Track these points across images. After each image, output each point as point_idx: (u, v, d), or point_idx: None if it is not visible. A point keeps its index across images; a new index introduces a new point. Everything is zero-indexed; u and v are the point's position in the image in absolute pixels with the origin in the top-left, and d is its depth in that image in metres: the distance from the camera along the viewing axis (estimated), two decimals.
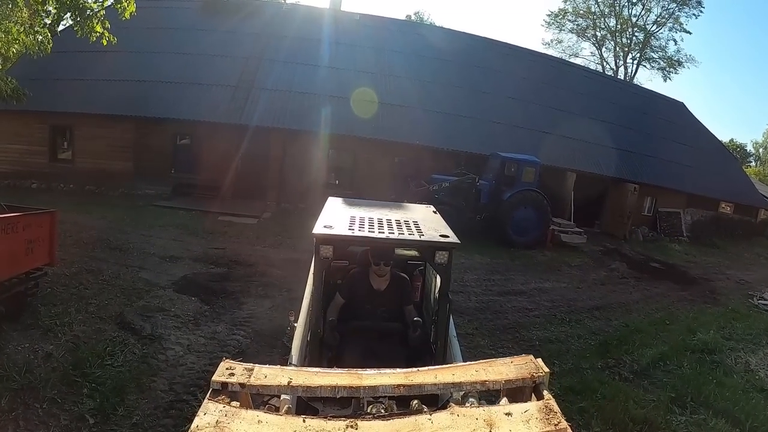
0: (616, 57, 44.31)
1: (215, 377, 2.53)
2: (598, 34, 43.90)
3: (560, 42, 45.32)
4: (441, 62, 22.11)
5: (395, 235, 3.85)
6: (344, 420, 2.28)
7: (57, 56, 17.86)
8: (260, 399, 2.80)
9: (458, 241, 3.87)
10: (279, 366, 2.83)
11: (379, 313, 4.57)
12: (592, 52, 46.97)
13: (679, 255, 19.17)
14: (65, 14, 7.82)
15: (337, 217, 4.19)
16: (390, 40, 22.42)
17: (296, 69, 19.28)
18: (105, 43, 7.85)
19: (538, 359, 2.77)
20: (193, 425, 2.16)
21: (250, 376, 2.57)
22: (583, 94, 24.66)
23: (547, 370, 2.69)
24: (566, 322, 9.53)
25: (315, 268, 4.04)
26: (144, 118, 16.86)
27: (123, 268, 9.23)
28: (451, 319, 4.55)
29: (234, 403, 2.41)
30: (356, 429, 2.22)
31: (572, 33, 44.66)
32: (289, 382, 2.56)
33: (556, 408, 2.40)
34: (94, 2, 7.84)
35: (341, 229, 3.84)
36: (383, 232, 3.89)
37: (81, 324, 6.72)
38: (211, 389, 2.46)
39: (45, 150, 17.87)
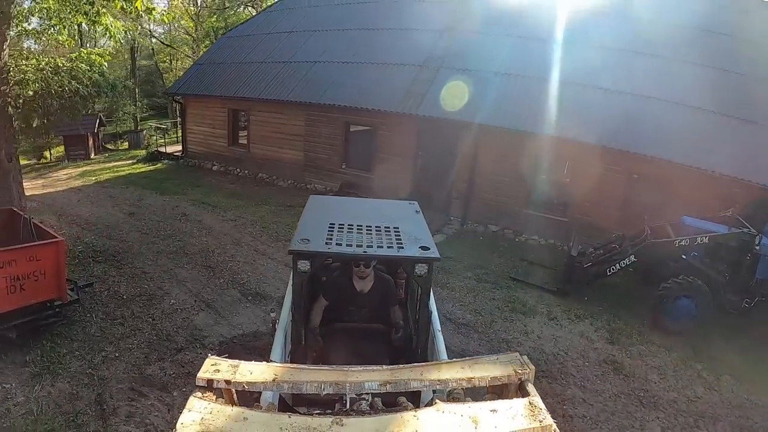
0: None
1: (200, 374, 2.59)
2: None
3: None
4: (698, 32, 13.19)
5: (374, 250, 3.98)
6: (330, 417, 2.34)
7: (236, 40, 19.83)
8: (242, 401, 2.74)
9: (438, 256, 4.01)
10: (264, 363, 2.90)
11: (363, 314, 4.69)
12: None
13: None
14: None
15: (315, 226, 4.33)
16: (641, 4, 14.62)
17: (501, 42, 14.02)
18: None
19: (523, 356, 2.87)
20: (179, 422, 2.22)
21: (235, 372, 2.62)
22: None
23: (532, 367, 2.79)
24: None
25: (294, 281, 4.19)
26: (313, 104, 15.28)
27: (187, 297, 8.81)
28: (435, 314, 4.81)
29: (219, 400, 2.49)
30: (342, 425, 2.28)
31: None
32: (274, 379, 2.61)
33: (541, 405, 2.50)
34: None
35: (318, 243, 3.99)
36: (361, 245, 4.01)
37: (66, 380, 6.50)
38: (196, 386, 2.54)
39: (225, 134, 18.67)
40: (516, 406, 2.49)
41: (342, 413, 2.52)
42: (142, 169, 20.44)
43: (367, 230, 4.31)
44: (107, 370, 6.76)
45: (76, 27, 8.50)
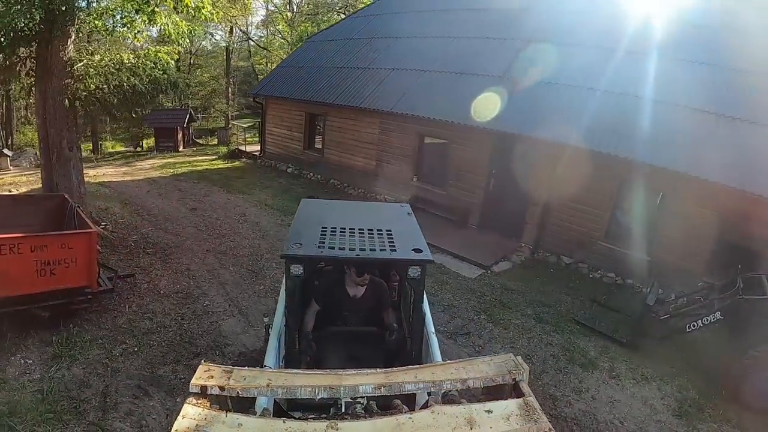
0: None
1: (194, 380, 2.57)
2: None
3: None
4: None
5: (366, 252, 4.01)
6: (325, 421, 2.36)
7: (319, 44, 20.15)
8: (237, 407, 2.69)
9: (431, 258, 4.07)
10: (258, 368, 2.93)
11: (357, 319, 4.70)
12: None
13: None
14: None
15: (307, 230, 4.37)
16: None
17: (591, 55, 12.57)
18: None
19: (517, 357, 2.88)
20: (173, 429, 2.22)
21: (229, 378, 2.61)
22: None
23: (526, 367, 2.81)
24: None
25: (287, 286, 4.22)
26: (386, 112, 14.76)
27: (222, 300, 8.77)
28: (429, 316, 4.86)
29: (214, 407, 2.47)
30: (337, 429, 2.30)
31: None
32: (268, 384, 2.59)
33: (536, 405, 2.52)
34: None
35: (311, 247, 4.02)
36: (354, 248, 4.05)
37: (82, 366, 6.62)
38: (190, 392, 2.50)
39: (301, 137, 18.78)
40: (511, 406, 2.52)
41: (337, 417, 2.60)
42: (220, 166, 21.16)
43: (359, 233, 4.37)
44: (122, 363, 6.79)
45: (146, 25, 8.61)
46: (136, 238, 10.94)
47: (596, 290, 10.61)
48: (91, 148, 31.17)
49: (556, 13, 14.54)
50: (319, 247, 4.05)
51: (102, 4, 8.72)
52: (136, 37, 8.86)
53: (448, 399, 2.91)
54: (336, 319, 4.73)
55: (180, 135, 28.98)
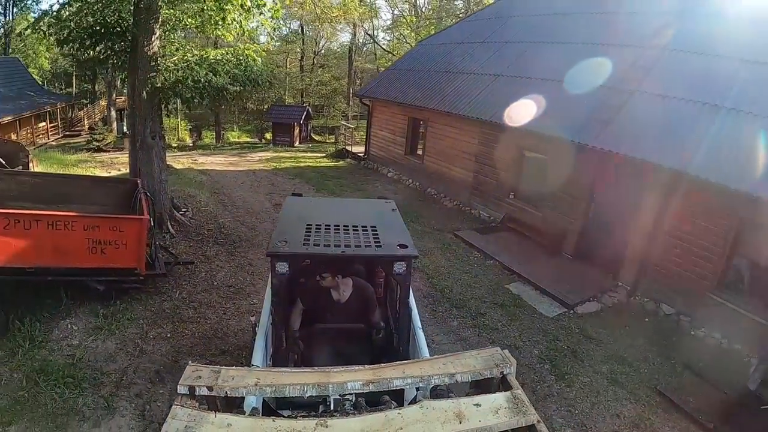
0: None
1: (182, 381, 2.60)
2: None
3: None
4: None
5: (351, 249, 4.07)
6: (314, 419, 2.38)
7: (429, 47, 20.22)
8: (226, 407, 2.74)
9: (416, 254, 4.15)
10: (246, 367, 3.00)
11: (343, 322, 4.66)
12: None
13: None
14: None
15: (292, 228, 4.43)
16: None
17: (727, 67, 10.23)
18: None
19: (504, 350, 2.95)
20: (162, 431, 2.25)
21: (217, 378, 2.63)
22: None
23: (513, 360, 2.85)
24: None
25: (272, 284, 4.25)
26: (485, 122, 13.82)
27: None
28: (416, 311, 4.90)
29: (202, 407, 2.50)
30: (327, 427, 2.31)
31: None
32: (256, 383, 2.61)
33: (524, 397, 2.56)
34: None
35: (296, 244, 4.07)
36: (339, 245, 4.10)
37: (116, 342, 7.05)
38: (177, 393, 2.53)
39: (404, 141, 18.51)
40: (499, 399, 2.55)
41: (326, 415, 2.61)
42: (323, 164, 21.77)
43: (344, 230, 4.43)
44: (151, 346, 7.15)
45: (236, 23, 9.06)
46: (211, 227, 11.52)
47: (694, 353, 8.43)
48: (213, 136, 33.82)
49: (689, 20, 12.27)
50: (304, 244, 4.09)
51: (185, 5, 9.26)
52: (223, 34, 9.30)
53: (436, 394, 2.92)
54: (322, 319, 4.73)
55: (297, 131, 30.45)
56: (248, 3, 8.15)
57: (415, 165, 17.91)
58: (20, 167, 11.29)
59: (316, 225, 4.47)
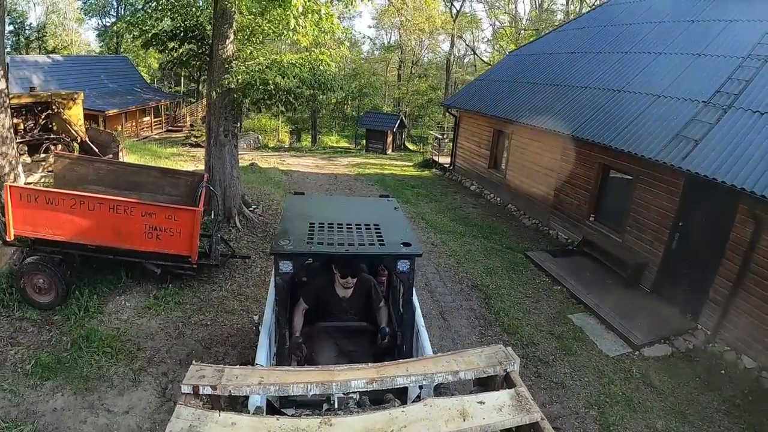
0: None
1: (186, 381, 2.62)
2: None
3: None
4: None
5: (355, 248, 4.10)
6: (318, 417, 2.39)
7: (519, 58, 20.16)
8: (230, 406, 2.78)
9: (420, 252, 4.18)
10: (250, 366, 2.98)
11: (347, 319, 4.72)
12: None
13: None
14: None
15: (295, 226, 4.48)
16: None
17: None
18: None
19: (508, 348, 2.90)
20: (166, 430, 2.29)
21: (221, 377, 2.65)
22: None
23: (517, 358, 2.83)
24: None
25: (276, 282, 4.29)
26: (567, 137, 13.03)
27: None
28: (419, 310, 4.85)
29: (206, 407, 2.53)
30: (331, 425, 2.33)
31: None
32: (260, 382, 2.63)
33: (527, 395, 2.56)
34: None
35: (299, 243, 4.11)
36: (343, 244, 4.13)
37: (159, 322, 7.57)
38: (182, 393, 2.55)
39: (488, 154, 18.05)
40: (503, 397, 2.56)
41: (330, 413, 2.60)
42: (407, 173, 21.88)
43: (347, 228, 4.47)
44: (190, 331, 7.58)
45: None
46: (277, 226, 11.88)
47: None
48: (310, 139, 35.12)
49: None
50: (307, 242, 4.13)
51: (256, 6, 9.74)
52: (298, 39, 9.66)
53: (439, 392, 2.95)
54: (326, 317, 4.77)
55: (390, 138, 30.89)
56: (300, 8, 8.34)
57: (497, 179, 17.39)
58: (111, 156, 12.45)
59: (319, 223, 4.53)
